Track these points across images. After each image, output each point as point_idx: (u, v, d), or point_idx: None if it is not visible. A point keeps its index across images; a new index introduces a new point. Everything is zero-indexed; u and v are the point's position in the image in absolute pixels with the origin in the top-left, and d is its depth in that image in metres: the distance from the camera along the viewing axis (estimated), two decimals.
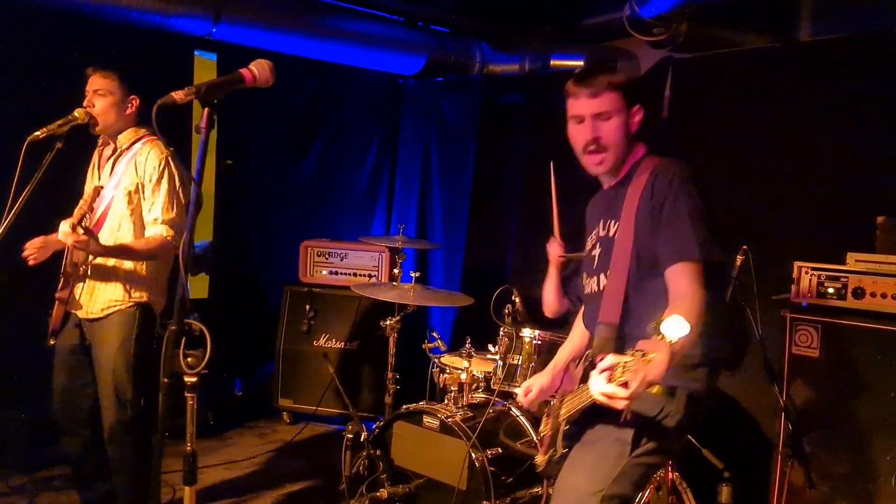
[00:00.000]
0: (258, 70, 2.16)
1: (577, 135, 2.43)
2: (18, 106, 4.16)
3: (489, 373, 3.89)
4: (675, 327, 1.83)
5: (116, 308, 3.33)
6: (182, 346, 2.04)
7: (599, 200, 2.62)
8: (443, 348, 4.25)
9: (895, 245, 3.50)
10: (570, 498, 2.33)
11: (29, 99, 4.20)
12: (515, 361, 3.72)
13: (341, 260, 5.47)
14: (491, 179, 5.91)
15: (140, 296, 3.37)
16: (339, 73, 5.74)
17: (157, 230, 3.30)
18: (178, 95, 2.02)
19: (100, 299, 3.34)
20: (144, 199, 3.33)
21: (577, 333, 2.77)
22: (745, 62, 4.68)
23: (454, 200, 5.99)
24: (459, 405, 3.71)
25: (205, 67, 5.30)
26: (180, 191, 3.35)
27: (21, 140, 3.10)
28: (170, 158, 3.35)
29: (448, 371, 3.92)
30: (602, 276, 2.43)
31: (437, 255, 6.13)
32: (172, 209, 3.32)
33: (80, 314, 3.38)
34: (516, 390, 3.67)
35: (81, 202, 3.08)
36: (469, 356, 3.88)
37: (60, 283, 3.42)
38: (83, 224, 3.02)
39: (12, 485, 4.04)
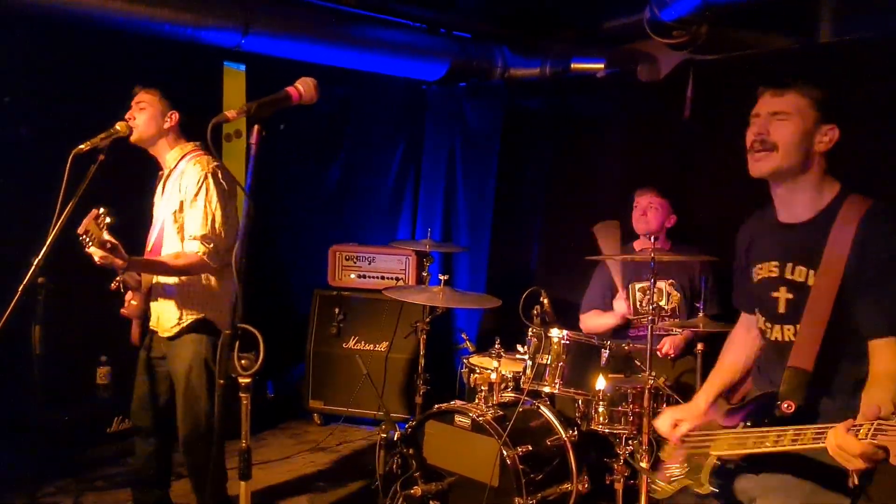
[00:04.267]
0: (304, 88, 2.23)
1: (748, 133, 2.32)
2: (59, 120, 4.30)
3: (517, 372, 3.95)
4: None
5: (181, 326, 3.44)
6: (236, 350, 2.14)
7: (775, 233, 2.39)
8: (471, 349, 4.34)
9: None
10: None
11: (68, 113, 4.33)
12: (544, 361, 3.78)
13: (369, 264, 5.57)
14: (514, 182, 5.99)
15: (206, 314, 3.45)
16: (363, 81, 5.82)
17: (191, 246, 3.33)
18: (230, 114, 2.12)
19: (170, 318, 3.45)
20: (185, 215, 3.40)
21: (729, 363, 2.62)
22: (766, 63, 4.70)
23: (478, 204, 6.06)
24: (490, 404, 3.78)
25: (234, 78, 5.41)
26: (219, 206, 3.36)
27: (63, 153, 3.17)
28: (210, 174, 3.38)
29: (478, 371, 4.01)
30: (792, 326, 2.25)
31: (461, 258, 6.21)
32: (207, 224, 3.33)
33: (157, 330, 3.53)
34: (545, 389, 3.78)
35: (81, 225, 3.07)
36: (499, 356, 3.96)
37: (142, 301, 3.55)
38: (87, 246, 3.03)
39: (58, 485, 4.16)
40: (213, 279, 3.45)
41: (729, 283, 4.27)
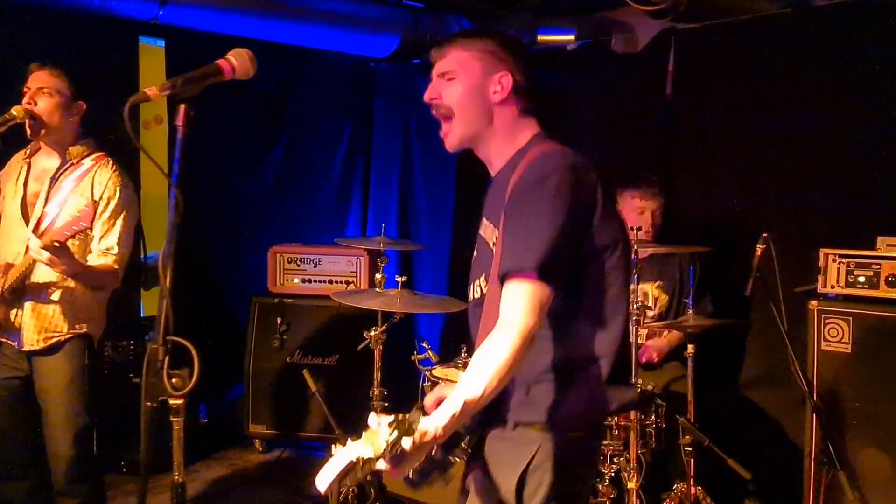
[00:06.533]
0: (237, 60, 2.15)
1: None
2: None
3: None
4: None
5: (62, 337, 3.39)
6: (166, 367, 2.06)
7: (487, 192, 2.43)
8: (434, 359, 4.30)
9: None
10: None
11: None
12: None
13: (314, 266, 5.51)
14: (477, 169, 5.94)
15: (85, 324, 3.45)
16: (303, 59, 5.79)
17: (106, 260, 3.38)
18: (151, 91, 2.04)
19: (46, 330, 3.37)
20: (97, 225, 3.38)
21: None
22: (755, 31, 4.76)
23: (438, 195, 6.06)
24: None
25: (151, 55, 5.34)
26: (128, 222, 3.46)
27: None
28: (124, 186, 3.45)
29: (442, 384, 3.97)
30: (482, 280, 2.27)
31: (421, 256, 6.19)
32: (124, 242, 3.43)
33: (18, 345, 3.41)
34: None
35: (73, 217, 3.10)
36: (465, 366, 3.92)
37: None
38: (55, 240, 3.06)
39: None
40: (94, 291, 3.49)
41: (721, 277, 4.36)
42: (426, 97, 2.29)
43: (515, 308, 1.95)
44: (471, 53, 2.25)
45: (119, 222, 3.41)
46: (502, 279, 2.01)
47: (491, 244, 2.23)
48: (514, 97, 2.25)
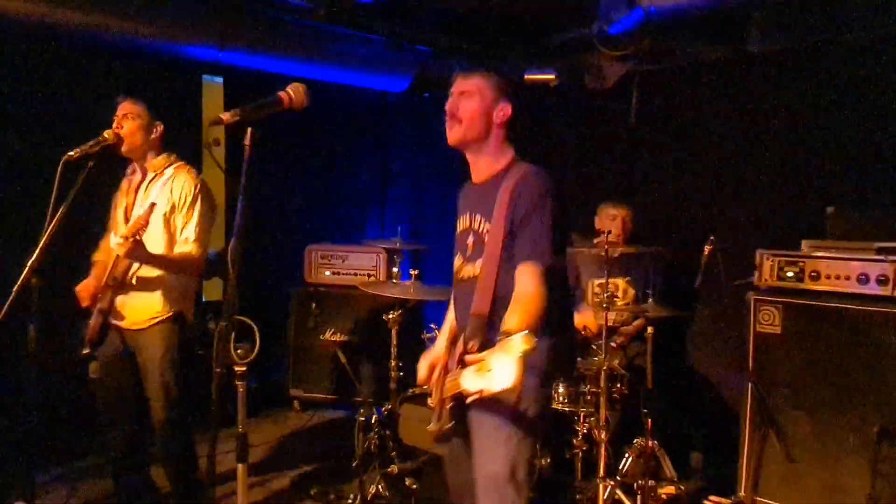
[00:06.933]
0: (294, 93, 2.20)
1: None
2: (47, 130, 4.22)
3: None
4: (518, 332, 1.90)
5: (158, 319, 3.40)
6: (232, 340, 2.12)
7: (469, 193, 2.60)
8: None
9: (844, 232, 3.62)
10: (498, 484, 2.36)
11: (55, 123, 4.25)
12: None
13: (342, 262, 5.54)
14: None
15: (177, 307, 3.44)
16: (335, 93, 5.77)
17: (187, 248, 3.37)
18: (225, 116, 2.09)
19: (143, 311, 3.41)
20: (178, 220, 3.39)
21: (453, 314, 2.76)
22: (701, 71, 4.83)
23: (443, 204, 6.06)
24: None
25: (212, 90, 5.34)
26: (207, 217, 3.44)
27: (51, 161, 3.08)
28: (202, 186, 3.44)
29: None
30: (476, 264, 2.46)
31: (429, 255, 6.21)
32: (202, 231, 3.40)
33: (123, 325, 3.45)
34: None
35: (138, 217, 3.11)
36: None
37: (100, 296, 3.46)
38: (136, 236, 3.08)
39: (53, 474, 4.10)
40: (187, 277, 3.47)
41: (677, 273, 4.41)
42: (448, 108, 2.46)
43: (533, 280, 2.25)
44: (488, 83, 2.44)
45: (196, 216, 3.39)
46: (519, 261, 2.28)
47: (483, 234, 2.43)
48: (506, 125, 2.46)
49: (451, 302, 2.74)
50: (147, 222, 3.08)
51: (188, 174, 3.46)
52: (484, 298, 2.35)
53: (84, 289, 3.48)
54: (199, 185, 3.44)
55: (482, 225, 2.45)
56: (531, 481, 2.49)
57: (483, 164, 2.51)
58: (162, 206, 3.36)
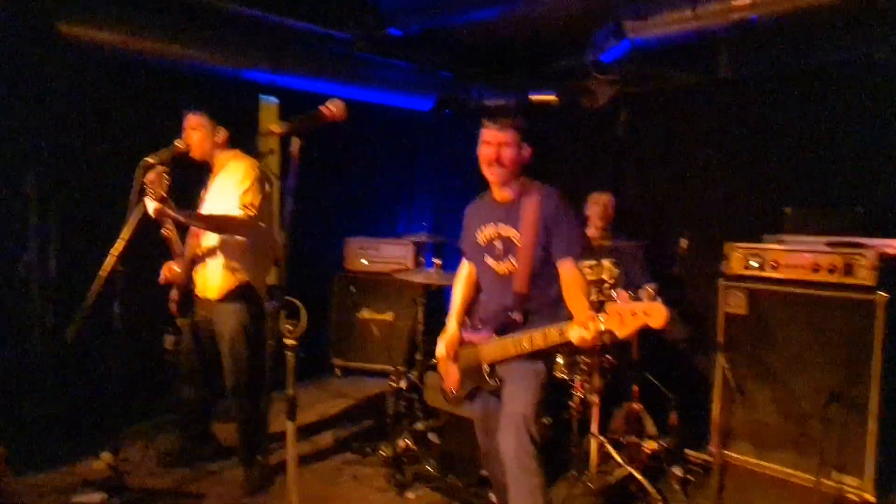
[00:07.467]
0: (334, 107, 2.15)
1: (484, 154, 2.66)
2: (125, 140, 4.15)
3: None
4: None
5: (227, 289, 3.32)
6: (283, 318, 2.05)
7: (490, 209, 2.77)
8: None
9: (799, 228, 3.58)
10: (519, 420, 2.46)
11: (131, 134, 4.17)
12: None
13: (376, 252, 5.44)
14: (485, 187, 5.90)
15: (241, 277, 3.33)
16: (370, 111, 5.71)
17: (240, 212, 3.26)
18: (275, 127, 2.03)
19: (215, 285, 3.33)
20: (237, 193, 3.29)
21: (463, 294, 2.96)
22: (678, 93, 4.77)
23: (461, 203, 5.95)
24: None
25: (268, 109, 5.23)
26: (259, 192, 3.30)
27: (129, 166, 3.10)
28: (257, 168, 3.35)
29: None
30: (510, 262, 2.67)
31: (450, 247, 6.12)
32: (253, 197, 3.26)
33: (201, 294, 3.39)
34: None
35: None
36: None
37: (185, 270, 3.42)
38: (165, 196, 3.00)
39: (134, 429, 4.01)
40: (252, 250, 3.33)
41: (655, 259, 4.30)
42: (494, 157, 2.63)
43: (575, 271, 2.58)
44: (518, 134, 2.64)
45: (251, 189, 3.27)
46: (563, 258, 2.58)
47: (513, 238, 2.65)
48: (525, 161, 2.68)
49: (456, 284, 2.98)
50: (151, 182, 2.99)
51: (245, 160, 3.40)
52: (523, 282, 2.61)
53: (167, 267, 3.46)
54: (251, 164, 3.35)
55: (510, 232, 2.67)
56: (543, 433, 2.53)
57: (508, 188, 2.70)
58: (223, 188, 3.29)
